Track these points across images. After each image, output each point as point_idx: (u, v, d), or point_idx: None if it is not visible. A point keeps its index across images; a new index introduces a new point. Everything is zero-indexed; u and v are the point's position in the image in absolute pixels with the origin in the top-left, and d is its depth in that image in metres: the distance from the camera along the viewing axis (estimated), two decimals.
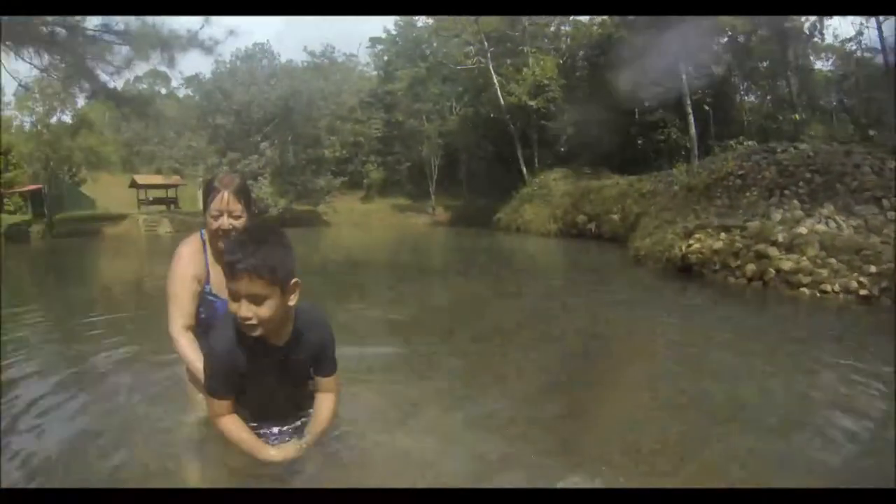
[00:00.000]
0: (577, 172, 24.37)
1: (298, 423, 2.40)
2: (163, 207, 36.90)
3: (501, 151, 28.06)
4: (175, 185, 38.09)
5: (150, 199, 38.13)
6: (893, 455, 1.87)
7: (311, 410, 2.41)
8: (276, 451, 2.22)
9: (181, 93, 52.24)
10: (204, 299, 2.76)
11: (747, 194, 8.90)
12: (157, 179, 38.79)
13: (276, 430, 2.38)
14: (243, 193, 2.71)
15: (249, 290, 2.01)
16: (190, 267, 2.74)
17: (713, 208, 9.26)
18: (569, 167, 25.07)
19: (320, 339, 2.40)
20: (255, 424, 2.32)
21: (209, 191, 2.68)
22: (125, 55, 13.81)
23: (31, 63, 13.08)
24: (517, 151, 26.65)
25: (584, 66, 27.95)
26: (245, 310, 2.03)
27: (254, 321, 2.04)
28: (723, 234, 7.42)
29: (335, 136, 37.04)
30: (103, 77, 14.22)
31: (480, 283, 8.85)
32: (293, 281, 2.14)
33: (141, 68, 41.27)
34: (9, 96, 41.32)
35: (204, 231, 2.83)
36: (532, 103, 25.64)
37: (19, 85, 35.83)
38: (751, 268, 6.77)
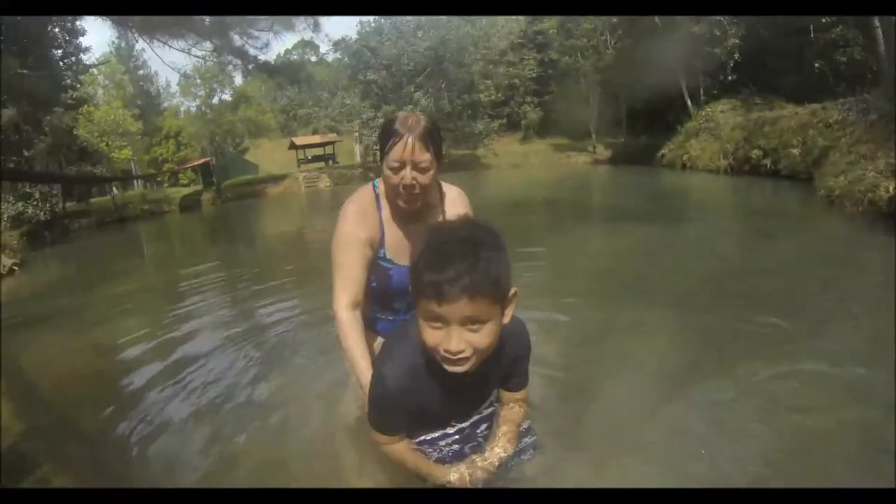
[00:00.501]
0: (747, 103, 22.90)
1: (467, 426, 2.01)
2: (321, 164, 38.98)
3: (663, 83, 26.73)
4: (332, 143, 40.06)
5: (309, 157, 40.58)
6: (893, 455, 1.80)
7: (476, 415, 2.02)
8: (457, 474, 1.82)
9: (330, 58, 54.40)
10: (376, 266, 2.41)
11: None
12: (315, 139, 41.20)
13: (439, 437, 1.98)
14: (432, 139, 2.22)
15: (466, 314, 1.56)
16: (360, 229, 2.34)
17: None
18: (737, 98, 23.62)
19: (518, 353, 2.00)
20: (417, 441, 1.98)
21: (387, 135, 2.21)
22: (271, 28, 14.44)
23: (187, 53, 14.12)
24: (681, 82, 25.34)
25: None
26: (457, 342, 1.58)
27: (466, 354, 1.61)
28: None
29: (489, 80, 36.97)
30: (253, 51, 14.99)
31: (658, 228, 8.42)
32: (512, 291, 1.69)
33: (289, 40, 43.32)
34: (174, 87, 45.51)
35: (378, 183, 2.45)
36: (695, 29, 24.00)
37: (180, 75, 39.38)
38: None
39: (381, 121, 27.69)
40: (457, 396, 1.87)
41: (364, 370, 2.14)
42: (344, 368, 2.64)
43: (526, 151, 36.32)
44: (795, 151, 13.72)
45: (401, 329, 1.94)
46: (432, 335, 1.61)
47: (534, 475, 1.96)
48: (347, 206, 2.38)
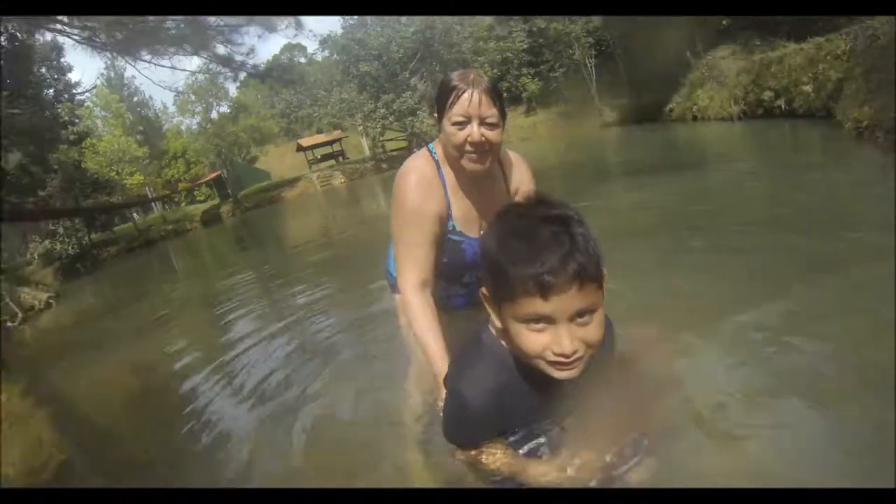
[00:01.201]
0: (747, 46, 22.81)
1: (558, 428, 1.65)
2: (332, 162, 39.37)
3: (657, 36, 26.60)
4: (338, 139, 40.45)
5: (319, 157, 41.09)
6: (893, 455, 1.71)
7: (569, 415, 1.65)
8: (555, 472, 1.49)
9: (319, 57, 54.53)
10: (447, 240, 2.24)
11: None
12: (320, 138, 41.90)
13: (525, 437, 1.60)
14: (497, 94, 2.13)
15: (577, 306, 1.34)
16: (426, 201, 2.15)
17: None
18: (735, 43, 23.52)
19: (608, 347, 1.67)
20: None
21: (447, 91, 2.10)
22: (253, 32, 14.57)
23: (173, 69, 14.34)
24: (672, 34, 25.26)
25: None
26: (571, 341, 1.35)
27: (580, 353, 1.38)
28: None
29: (482, 57, 36.97)
30: (239, 58, 15.17)
31: (691, 178, 8.37)
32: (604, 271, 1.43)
33: (275, 44, 43.66)
34: (171, 107, 45.88)
35: (434, 148, 2.29)
36: None
37: (174, 94, 39.61)
38: None
39: (383, 111, 27.85)
40: (550, 402, 1.58)
41: (439, 359, 1.97)
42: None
43: (532, 123, 36.35)
44: (808, 88, 13.66)
45: (472, 340, 1.63)
46: (535, 339, 1.38)
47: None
48: (407, 176, 2.20)
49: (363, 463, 2.24)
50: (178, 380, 4.25)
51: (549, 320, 1.34)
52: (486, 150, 2.12)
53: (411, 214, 2.13)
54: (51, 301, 12.69)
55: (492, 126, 2.11)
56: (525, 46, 38.48)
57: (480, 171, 2.19)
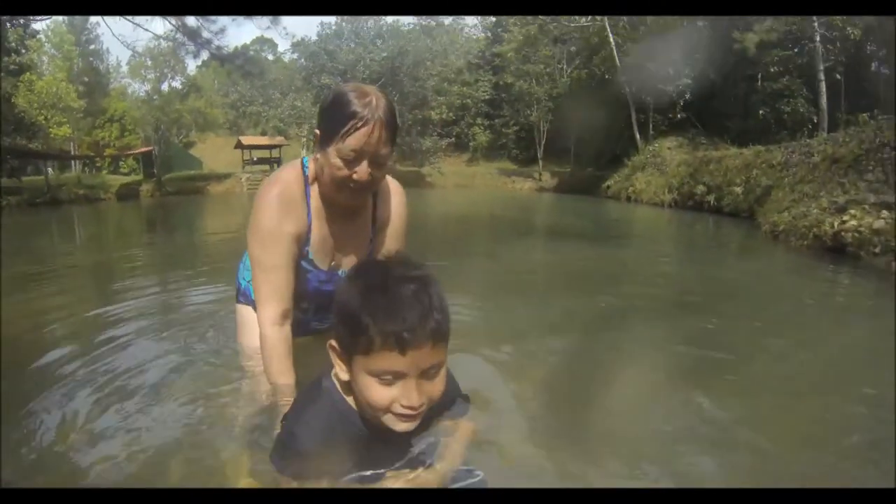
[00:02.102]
0: (694, 141, 23.43)
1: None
2: (266, 167, 38.55)
3: (613, 116, 27.12)
4: (279, 146, 39.61)
5: (255, 158, 40.19)
6: (893, 455, 1.77)
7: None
8: (397, 481, 1.45)
9: (287, 57, 53.74)
10: (297, 267, 2.04)
11: None
12: (262, 140, 40.94)
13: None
14: (395, 125, 1.85)
15: (430, 362, 1.36)
16: (286, 220, 1.94)
17: (864, 183, 8.56)
18: (685, 136, 24.15)
19: (450, 394, 1.63)
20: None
21: (342, 115, 1.76)
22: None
23: (140, 27, 13.60)
24: (631, 116, 25.70)
25: (705, 24, 25.49)
26: (418, 394, 1.37)
27: (424, 406, 1.40)
28: (884, 213, 6.83)
29: (442, 98, 37.06)
30: (207, 34, 14.50)
31: (601, 249, 8.56)
32: None
33: (248, 32, 42.94)
34: (124, 67, 44.28)
35: (308, 162, 2.03)
36: (649, 65, 24.33)
37: (131, 52, 38.22)
38: None
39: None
40: (380, 451, 1.50)
41: (285, 400, 1.81)
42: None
43: (472, 173, 36.44)
44: (739, 189, 13.94)
45: (313, 385, 1.58)
46: (384, 393, 1.36)
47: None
48: (270, 189, 1.97)
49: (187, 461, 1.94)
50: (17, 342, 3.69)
51: (400, 375, 1.35)
52: (368, 187, 1.90)
53: (269, 234, 1.92)
54: None
55: (381, 164, 1.86)
56: (487, 97, 38.82)
57: (355, 206, 2.04)
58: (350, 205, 2.00)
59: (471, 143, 39.64)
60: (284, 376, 1.89)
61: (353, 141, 1.76)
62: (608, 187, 23.49)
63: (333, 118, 1.79)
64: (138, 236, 14.12)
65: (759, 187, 12.88)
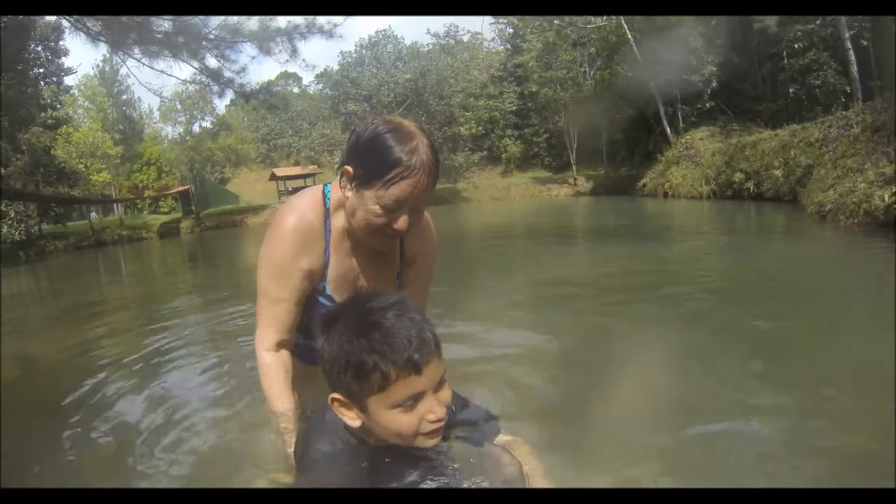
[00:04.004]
0: (726, 129, 23.06)
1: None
2: None
3: (642, 113, 26.84)
4: (312, 174, 40.06)
5: (290, 189, 40.38)
6: (893, 455, 1.69)
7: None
8: None
9: (312, 89, 54.36)
10: (313, 301, 1.93)
11: None
12: (295, 170, 41.32)
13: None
14: (438, 173, 1.72)
15: (440, 373, 1.41)
16: (301, 255, 1.84)
17: None
18: (715, 125, 23.78)
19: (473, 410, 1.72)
20: None
21: (386, 164, 1.63)
22: (248, 52, 14.31)
23: (168, 74, 14.03)
24: (659, 111, 25.40)
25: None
26: (439, 408, 1.41)
27: (444, 421, 1.44)
28: None
29: (469, 113, 37.15)
30: (229, 74, 14.82)
31: (640, 248, 8.23)
32: None
33: (270, 69, 43.75)
34: (156, 113, 45.68)
35: (330, 191, 1.90)
36: (672, 57, 23.83)
37: (160, 99, 39.23)
38: None
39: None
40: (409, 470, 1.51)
41: (288, 430, 1.76)
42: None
43: (507, 184, 36.28)
44: (778, 172, 13.61)
45: (325, 432, 1.57)
46: (409, 420, 1.38)
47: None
48: (285, 219, 1.86)
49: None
50: (76, 377, 3.77)
51: (420, 396, 1.37)
52: (404, 233, 1.76)
53: (279, 269, 1.82)
54: None
55: (420, 212, 1.76)
56: (514, 108, 38.82)
57: (384, 249, 1.90)
58: (382, 248, 1.89)
59: (503, 155, 39.58)
60: (281, 400, 1.81)
61: (397, 191, 1.63)
62: (644, 185, 23.26)
63: (373, 162, 1.65)
64: (181, 269, 14.63)
65: (799, 168, 12.51)
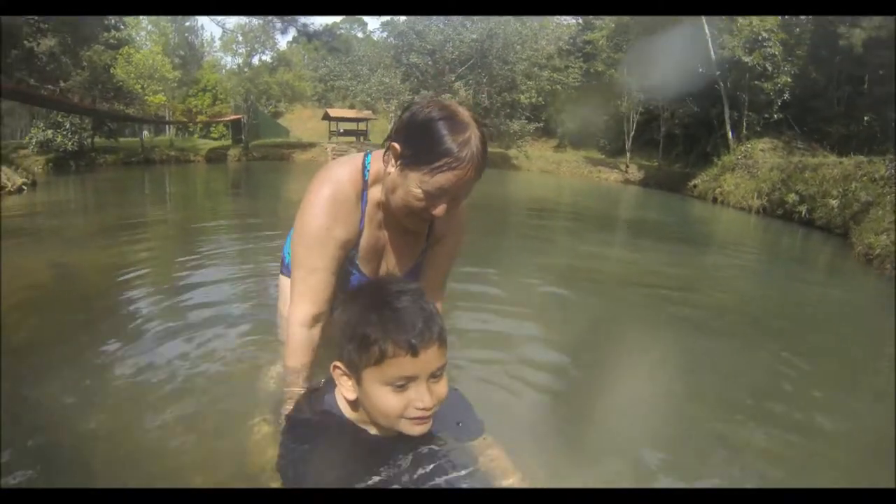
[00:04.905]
0: (789, 145, 22.41)
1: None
2: (352, 139, 38.98)
3: (706, 112, 26.17)
4: (366, 119, 39.88)
5: (341, 130, 40.65)
6: (893, 455, 1.78)
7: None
8: None
9: (376, 36, 53.95)
10: (347, 274, 1.97)
11: None
12: (349, 113, 41.19)
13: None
14: (485, 165, 1.73)
15: (439, 363, 1.46)
16: (338, 226, 1.84)
17: None
18: (780, 139, 23.11)
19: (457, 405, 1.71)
20: None
21: (433, 150, 1.63)
22: None
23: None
24: (724, 113, 24.75)
25: (808, 18, 23.85)
26: (429, 396, 1.45)
27: (435, 409, 1.49)
28: None
29: (532, 82, 36.55)
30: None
31: (676, 252, 8.19)
32: None
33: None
34: (217, 42, 45.80)
35: (370, 160, 1.90)
36: (747, 59, 23.19)
37: (222, 28, 39.31)
38: None
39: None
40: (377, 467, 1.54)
41: (292, 395, 1.78)
42: None
43: (559, 159, 35.90)
44: (834, 202, 13.21)
45: (318, 394, 1.65)
46: (396, 400, 1.44)
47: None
48: (321, 188, 1.85)
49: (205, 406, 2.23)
50: (109, 290, 4.08)
51: (412, 379, 1.43)
52: (440, 218, 1.78)
53: (315, 238, 1.82)
54: (24, 187, 12.27)
55: (460, 200, 1.77)
56: (577, 84, 38.07)
57: (417, 229, 1.93)
58: (415, 228, 1.91)
59: (559, 129, 39.01)
60: (298, 377, 1.84)
61: (443, 180, 1.65)
62: (695, 186, 22.80)
63: (423, 147, 1.65)
64: (223, 195, 15.26)
65: (857, 202, 12.06)
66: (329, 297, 1.86)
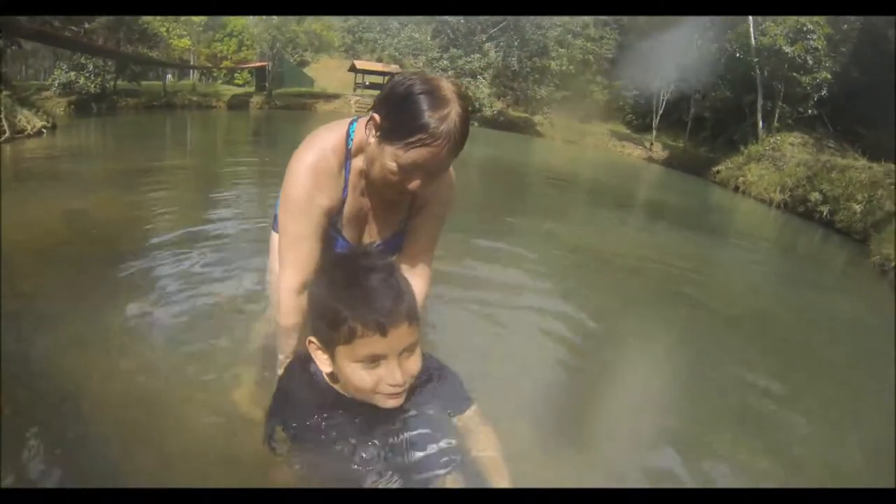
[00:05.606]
0: (820, 143, 22.00)
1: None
2: (377, 92, 38.51)
3: (739, 99, 25.66)
4: (392, 74, 39.07)
5: (367, 83, 40.17)
6: (893, 455, 1.79)
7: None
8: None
9: None
10: (332, 241, 2.00)
11: None
12: (377, 66, 40.61)
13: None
14: (463, 143, 1.69)
15: (409, 341, 1.48)
16: (320, 194, 1.86)
17: None
18: (811, 135, 22.67)
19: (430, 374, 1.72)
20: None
21: (409, 124, 1.61)
22: None
23: None
24: (757, 102, 24.27)
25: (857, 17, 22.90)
26: (401, 372, 1.48)
27: (407, 384, 1.52)
28: None
29: (564, 49, 35.94)
30: None
31: (689, 238, 8.29)
32: None
33: None
34: None
35: (355, 129, 1.89)
36: (788, 50, 22.52)
37: None
38: None
39: (446, 63, 26.90)
40: (368, 427, 1.58)
41: (283, 364, 1.88)
42: None
43: (583, 131, 35.31)
44: (858, 207, 12.94)
45: (302, 361, 1.69)
46: (368, 376, 1.48)
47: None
48: (304, 157, 1.85)
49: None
50: (120, 235, 4.16)
51: (382, 357, 1.46)
52: (417, 193, 1.79)
53: (298, 205, 1.84)
54: (43, 129, 12.24)
55: (438, 176, 1.77)
56: (610, 56, 37.44)
57: (397, 199, 1.95)
58: (393, 200, 1.94)
59: (587, 100, 38.47)
60: (289, 341, 1.89)
61: (416, 155, 1.63)
62: (718, 171, 22.43)
63: (400, 119, 1.63)
64: (243, 142, 15.52)
65: (880, 210, 11.83)
66: (315, 262, 1.87)
